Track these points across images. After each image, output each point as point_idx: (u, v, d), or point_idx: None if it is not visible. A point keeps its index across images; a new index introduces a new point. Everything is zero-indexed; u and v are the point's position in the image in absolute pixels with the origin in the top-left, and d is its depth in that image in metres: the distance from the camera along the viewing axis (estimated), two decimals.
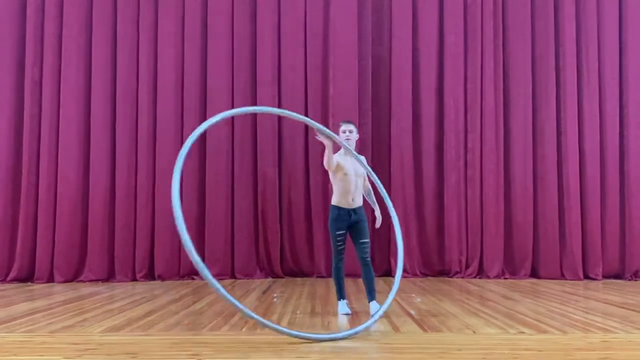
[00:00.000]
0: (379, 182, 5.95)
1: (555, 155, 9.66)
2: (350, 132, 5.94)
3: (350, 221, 5.89)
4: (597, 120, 9.72)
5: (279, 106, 9.71)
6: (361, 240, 5.90)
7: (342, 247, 5.92)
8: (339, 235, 5.89)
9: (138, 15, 9.78)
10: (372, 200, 6.27)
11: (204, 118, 9.70)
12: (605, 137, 9.73)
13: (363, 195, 6.09)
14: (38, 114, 9.69)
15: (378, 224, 6.29)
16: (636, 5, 9.80)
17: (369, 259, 5.89)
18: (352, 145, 5.91)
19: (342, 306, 6.03)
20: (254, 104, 9.71)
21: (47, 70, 9.70)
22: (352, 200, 5.88)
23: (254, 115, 9.74)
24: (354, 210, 5.90)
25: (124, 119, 9.69)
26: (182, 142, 9.54)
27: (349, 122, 6.08)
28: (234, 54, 9.81)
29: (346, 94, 9.66)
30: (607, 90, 9.76)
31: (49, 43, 9.72)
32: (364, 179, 6.08)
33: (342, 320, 5.74)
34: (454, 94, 9.76)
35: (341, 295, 6.07)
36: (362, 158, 6.02)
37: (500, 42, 9.84)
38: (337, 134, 5.92)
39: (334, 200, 5.95)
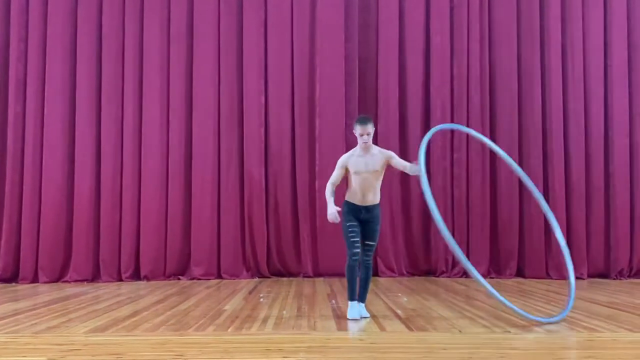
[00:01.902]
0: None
1: (540, 155, 9.69)
2: (369, 134, 5.66)
3: (361, 217, 5.70)
4: (582, 121, 9.76)
5: (265, 105, 9.72)
6: (367, 242, 5.74)
7: (356, 239, 5.66)
8: (350, 226, 5.67)
9: (123, 14, 9.72)
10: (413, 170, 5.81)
11: (189, 118, 9.71)
12: (590, 137, 9.77)
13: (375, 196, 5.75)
14: (22, 112, 9.62)
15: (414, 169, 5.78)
16: (620, 6, 9.86)
17: (370, 261, 5.76)
18: (369, 144, 5.70)
19: (352, 309, 5.72)
20: (240, 105, 9.73)
21: (32, 69, 9.62)
22: (364, 197, 5.69)
23: (240, 115, 9.72)
24: (366, 208, 5.71)
25: (109, 118, 9.64)
26: (168, 142, 9.61)
27: (365, 122, 5.67)
28: (220, 54, 9.77)
29: (333, 94, 9.66)
30: (591, 90, 9.80)
31: (33, 42, 9.65)
32: (385, 169, 5.83)
33: (330, 321, 5.72)
34: (440, 94, 9.76)
35: (352, 295, 5.76)
36: (383, 152, 5.83)
37: (486, 43, 9.86)
38: (352, 133, 5.84)
39: (347, 196, 5.79)
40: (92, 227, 9.52)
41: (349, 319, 5.65)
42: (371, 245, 5.77)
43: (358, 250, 5.68)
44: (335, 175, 5.80)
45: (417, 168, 5.69)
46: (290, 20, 9.86)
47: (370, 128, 5.68)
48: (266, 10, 9.84)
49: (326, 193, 5.78)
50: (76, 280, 9.32)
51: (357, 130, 5.72)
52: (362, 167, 5.68)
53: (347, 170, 5.77)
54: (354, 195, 5.73)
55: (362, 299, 5.80)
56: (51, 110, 9.57)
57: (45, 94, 9.59)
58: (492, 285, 8.17)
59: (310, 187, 9.65)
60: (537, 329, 5.18)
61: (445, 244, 9.59)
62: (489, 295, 5.41)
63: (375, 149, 5.82)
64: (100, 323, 5.56)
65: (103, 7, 9.72)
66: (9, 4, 9.71)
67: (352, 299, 5.76)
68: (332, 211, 5.64)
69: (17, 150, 9.57)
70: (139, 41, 9.74)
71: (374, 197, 5.75)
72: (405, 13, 9.93)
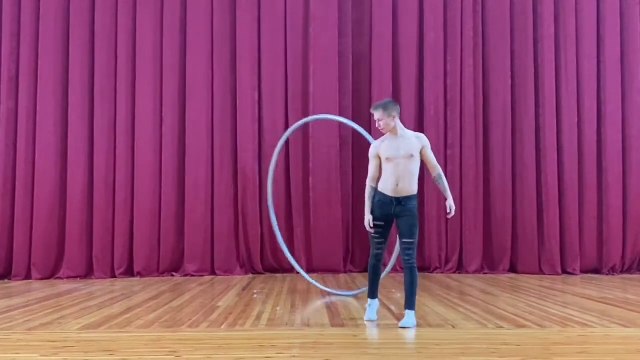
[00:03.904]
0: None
1: (533, 151, 9.70)
2: (379, 120, 5.18)
3: (392, 212, 5.19)
4: (575, 116, 9.77)
5: (259, 101, 9.70)
6: (403, 239, 5.17)
7: (379, 240, 5.29)
8: (375, 225, 5.23)
9: (116, 9, 9.66)
10: (443, 186, 5.40)
11: (183, 114, 9.67)
12: (583, 133, 9.78)
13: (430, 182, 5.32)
14: (14, 108, 9.56)
15: (450, 214, 5.41)
16: (614, 1, 9.88)
17: (411, 260, 5.10)
18: (388, 129, 5.21)
19: (369, 310, 5.47)
20: (234, 99, 9.69)
21: (24, 65, 9.57)
22: (397, 185, 5.15)
23: (233, 111, 9.70)
24: (399, 199, 5.16)
25: (102, 114, 9.59)
26: (160, 138, 9.59)
27: (375, 108, 5.22)
28: (213, 50, 9.74)
29: (326, 89, 9.64)
30: (585, 86, 9.81)
31: (25, 37, 9.59)
32: (421, 159, 5.31)
33: (323, 317, 5.73)
34: (434, 90, 9.77)
35: (371, 293, 5.48)
36: (419, 136, 5.36)
37: (480, 39, 9.86)
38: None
39: (378, 185, 5.29)
40: (85, 224, 9.48)
41: (365, 320, 5.43)
42: (408, 243, 5.14)
43: (380, 250, 5.34)
44: (372, 169, 5.33)
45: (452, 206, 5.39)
46: (283, 16, 9.82)
47: (380, 114, 5.16)
48: (259, 5, 9.81)
49: (365, 194, 5.35)
50: (69, 277, 9.29)
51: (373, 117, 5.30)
52: (394, 151, 5.18)
53: (379, 159, 5.29)
54: (385, 184, 5.22)
55: (408, 304, 5.16)
56: (43, 107, 9.52)
57: (38, 89, 9.53)
58: (486, 280, 8.24)
59: (304, 183, 9.63)
60: (529, 324, 5.20)
61: (440, 242, 9.70)
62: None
63: (410, 132, 5.35)
64: (93, 319, 5.56)
65: (95, 3, 9.66)
66: None
67: (370, 296, 5.48)
68: (368, 218, 5.24)
69: (9, 146, 9.52)
70: (132, 36, 9.69)
71: (409, 187, 5.19)
72: (398, 8, 9.91)
